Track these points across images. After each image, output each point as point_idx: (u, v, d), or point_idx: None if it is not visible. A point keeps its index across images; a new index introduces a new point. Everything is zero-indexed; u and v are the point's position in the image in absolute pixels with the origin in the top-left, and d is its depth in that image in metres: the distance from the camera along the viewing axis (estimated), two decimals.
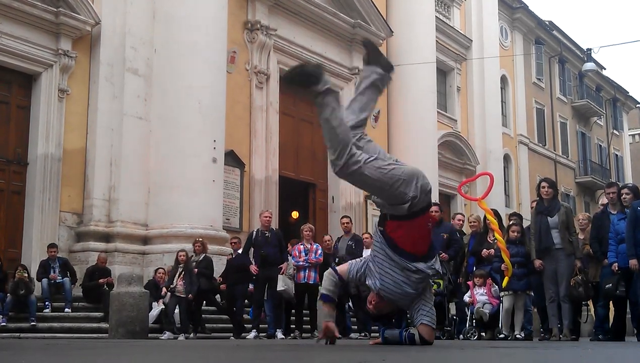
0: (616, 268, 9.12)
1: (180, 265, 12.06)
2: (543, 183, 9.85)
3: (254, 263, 11.59)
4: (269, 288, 11.56)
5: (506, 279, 9.67)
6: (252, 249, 11.98)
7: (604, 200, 10.69)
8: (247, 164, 16.63)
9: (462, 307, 10.76)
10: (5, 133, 13.72)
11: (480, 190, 13.30)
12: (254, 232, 11.90)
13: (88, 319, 12.01)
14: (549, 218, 9.49)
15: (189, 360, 3.94)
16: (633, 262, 8.72)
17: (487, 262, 10.28)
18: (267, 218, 11.85)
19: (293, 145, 18.62)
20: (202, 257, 12.17)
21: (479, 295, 10.19)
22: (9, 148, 13.70)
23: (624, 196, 9.27)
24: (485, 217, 10.36)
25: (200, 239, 12.50)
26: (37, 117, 13.74)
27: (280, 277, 11.54)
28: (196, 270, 11.92)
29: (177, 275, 12.06)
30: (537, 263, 9.52)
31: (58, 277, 12.29)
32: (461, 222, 11.75)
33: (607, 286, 9.31)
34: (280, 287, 11.50)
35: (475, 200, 10.60)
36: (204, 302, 12.26)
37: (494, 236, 10.01)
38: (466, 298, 10.35)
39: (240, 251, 12.17)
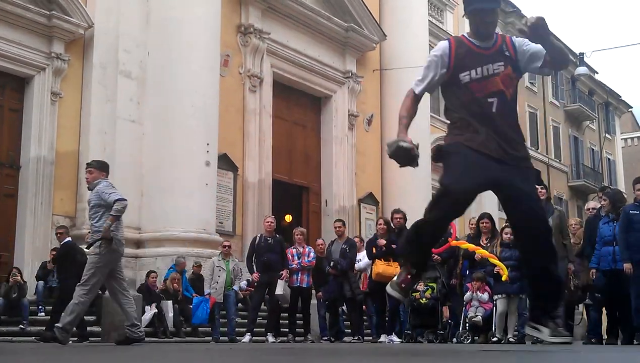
0: (593, 275, 9.23)
1: None
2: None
3: (255, 269, 11.53)
4: (268, 293, 11.54)
5: (505, 275, 9.66)
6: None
7: (590, 204, 10.79)
8: (240, 168, 16.59)
9: (456, 311, 10.76)
10: None
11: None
12: (257, 238, 11.76)
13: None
14: None
15: None
16: (627, 266, 8.75)
17: (480, 265, 10.29)
18: (270, 224, 11.80)
19: (286, 149, 18.61)
20: None
21: (478, 298, 10.14)
22: (2, 151, 13.64)
23: (601, 202, 9.36)
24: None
25: None
26: (29, 120, 13.69)
27: (280, 282, 11.48)
28: None
29: None
30: None
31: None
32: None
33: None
34: (279, 291, 11.47)
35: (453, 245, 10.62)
36: None
37: (486, 239, 10.04)
38: (466, 298, 10.26)
39: (67, 241, 10.92)
